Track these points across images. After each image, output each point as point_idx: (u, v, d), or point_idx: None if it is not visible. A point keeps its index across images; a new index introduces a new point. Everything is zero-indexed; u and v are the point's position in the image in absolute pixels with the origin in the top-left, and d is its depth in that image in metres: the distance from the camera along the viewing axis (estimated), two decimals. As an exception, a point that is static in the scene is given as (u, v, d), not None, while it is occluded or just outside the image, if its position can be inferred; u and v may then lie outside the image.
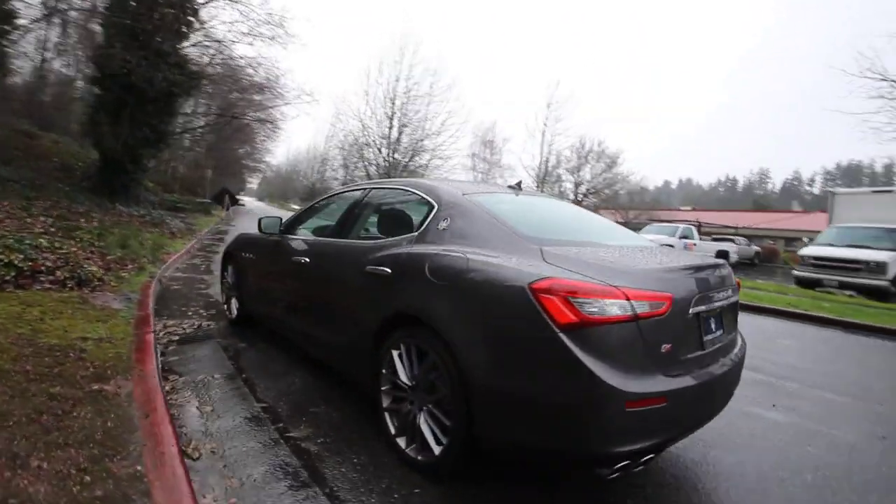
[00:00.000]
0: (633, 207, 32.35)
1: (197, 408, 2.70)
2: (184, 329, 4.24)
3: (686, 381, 1.86)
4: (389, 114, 24.72)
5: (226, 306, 4.66)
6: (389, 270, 2.40)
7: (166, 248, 8.36)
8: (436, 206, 2.51)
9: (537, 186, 29.87)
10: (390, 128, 24.78)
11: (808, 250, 11.36)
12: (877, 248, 10.26)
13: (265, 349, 3.85)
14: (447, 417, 2.03)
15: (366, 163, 25.83)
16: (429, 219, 2.48)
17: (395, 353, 2.32)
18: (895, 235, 10.39)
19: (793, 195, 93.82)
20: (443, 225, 2.38)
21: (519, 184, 3.04)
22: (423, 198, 2.63)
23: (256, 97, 17.75)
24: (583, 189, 34.26)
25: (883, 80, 11.73)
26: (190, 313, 4.83)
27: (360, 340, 2.55)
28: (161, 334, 3.97)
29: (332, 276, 2.90)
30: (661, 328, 1.83)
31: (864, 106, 11.58)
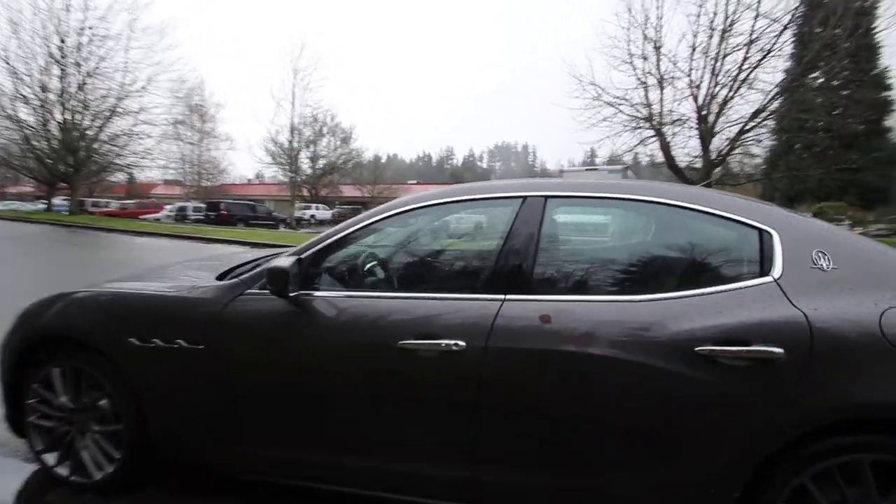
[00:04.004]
0: (379, 182, 33.37)
1: None
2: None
3: None
4: (57, 56, 16.80)
5: (38, 457, 2.06)
6: (781, 350, 1.37)
7: None
8: (773, 233, 1.56)
9: (288, 166, 26.96)
10: (62, 77, 16.97)
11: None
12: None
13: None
14: None
15: (22, 126, 17.14)
16: (776, 254, 1.53)
17: (811, 487, 1.38)
18: (605, 202, 14.25)
19: (469, 168, 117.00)
20: (826, 263, 1.49)
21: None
22: (726, 216, 1.62)
23: None
24: (321, 164, 33.14)
25: (579, 82, 15.55)
26: None
27: (707, 477, 1.44)
28: None
29: (581, 370, 1.51)
30: None
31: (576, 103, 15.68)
